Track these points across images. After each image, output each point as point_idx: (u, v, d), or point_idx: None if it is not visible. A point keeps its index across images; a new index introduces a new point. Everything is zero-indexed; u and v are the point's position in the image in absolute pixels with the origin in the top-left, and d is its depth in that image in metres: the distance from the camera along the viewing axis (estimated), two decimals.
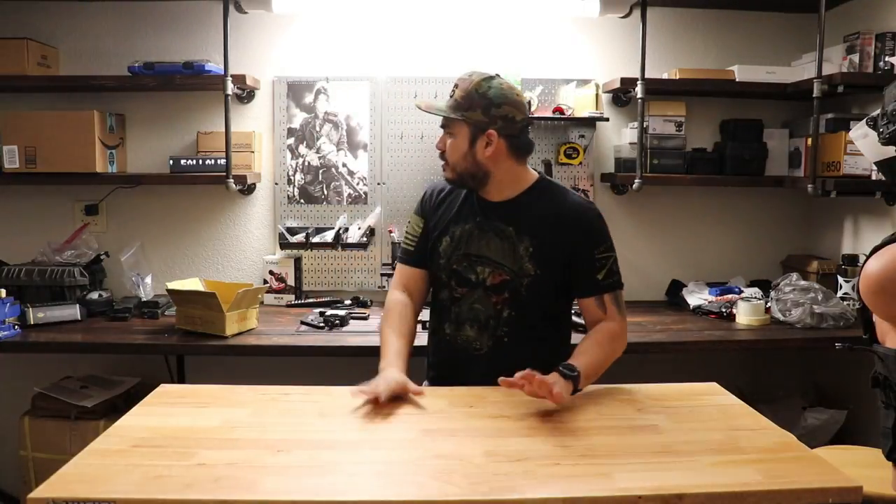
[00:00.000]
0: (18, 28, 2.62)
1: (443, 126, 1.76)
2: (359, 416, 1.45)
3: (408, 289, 1.86)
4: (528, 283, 1.71)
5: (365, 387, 1.50)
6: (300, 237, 2.75)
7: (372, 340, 2.21)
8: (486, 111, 1.68)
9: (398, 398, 1.51)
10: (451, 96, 1.73)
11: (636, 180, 2.62)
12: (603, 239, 1.74)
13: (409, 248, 1.87)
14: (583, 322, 1.81)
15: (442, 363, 1.85)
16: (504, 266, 1.72)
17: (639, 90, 2.57)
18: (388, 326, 1.77)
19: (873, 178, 2.38)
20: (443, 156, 1.76)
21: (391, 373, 1.58)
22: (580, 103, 2.71)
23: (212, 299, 2.18)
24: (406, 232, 1.90)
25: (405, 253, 1.88)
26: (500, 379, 1.47)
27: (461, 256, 1.76)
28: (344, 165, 2.79)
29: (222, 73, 2.51)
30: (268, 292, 2.70)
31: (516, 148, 1.73)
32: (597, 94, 2.71)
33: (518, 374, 1.46)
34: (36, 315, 2.34)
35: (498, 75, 1.73)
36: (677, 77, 2.64)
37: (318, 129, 2.77)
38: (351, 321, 2.43)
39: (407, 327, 1.78)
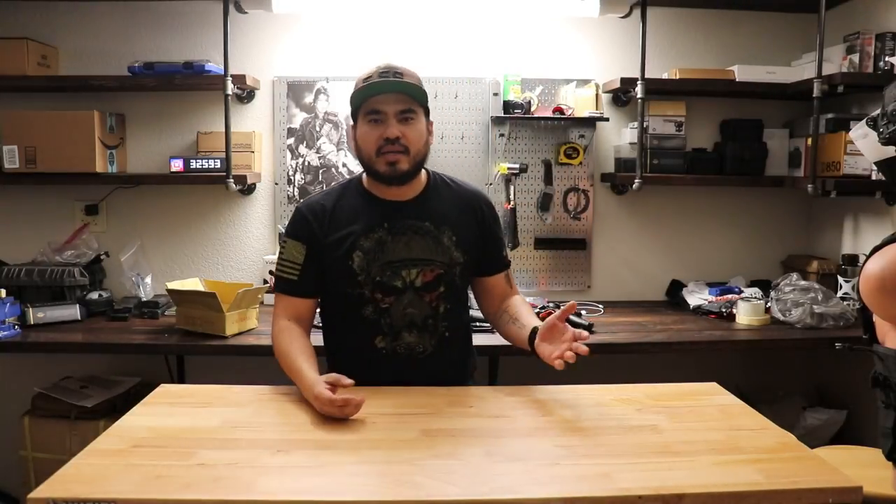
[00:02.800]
0: (18, 28, 2.61)
1: (403, 111, 1.63)
2: (359, 416, 1.44)
3: (296, 318, 1.70)
4: (461, 271, 1.72)
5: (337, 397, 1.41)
6: None
7: None
8: (428, 99, 1.72)
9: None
10: (398, 80, 1.63)
11: (636, 180, 2.62)
12: (498, 219, 1.86)
13: (291, 279, 1.69)
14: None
15: (381, 379, 1.63)
16: (434, 261, 1.69)
17: (639, 90, 2.57)
18: (293, 352, 1.60)
19: (873, 178, 2.38)
20: (397, 143, 1.62)
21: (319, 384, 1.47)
22: (580, 103, 2.71)
23: (212, 299, 2.18)
24: (283, 259, 1.71)
25: (287, 284, 1.70)
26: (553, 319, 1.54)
27: (383, 266, 1.66)
28: (344, 165, 2.79)
29: (222, 73, 2.51)
30: (268, 292, 2.69)
31: None
32: (597, 94, 2.71)
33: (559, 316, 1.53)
34: (36, 315, 2.34)
35: None
36: (677, 77, 2.64)
37: (318, 129, 2.77)
38: None
39: (310, 350, 1.64)
